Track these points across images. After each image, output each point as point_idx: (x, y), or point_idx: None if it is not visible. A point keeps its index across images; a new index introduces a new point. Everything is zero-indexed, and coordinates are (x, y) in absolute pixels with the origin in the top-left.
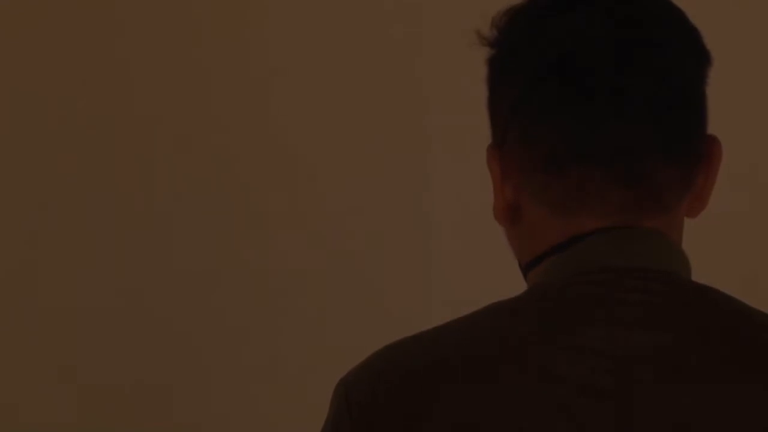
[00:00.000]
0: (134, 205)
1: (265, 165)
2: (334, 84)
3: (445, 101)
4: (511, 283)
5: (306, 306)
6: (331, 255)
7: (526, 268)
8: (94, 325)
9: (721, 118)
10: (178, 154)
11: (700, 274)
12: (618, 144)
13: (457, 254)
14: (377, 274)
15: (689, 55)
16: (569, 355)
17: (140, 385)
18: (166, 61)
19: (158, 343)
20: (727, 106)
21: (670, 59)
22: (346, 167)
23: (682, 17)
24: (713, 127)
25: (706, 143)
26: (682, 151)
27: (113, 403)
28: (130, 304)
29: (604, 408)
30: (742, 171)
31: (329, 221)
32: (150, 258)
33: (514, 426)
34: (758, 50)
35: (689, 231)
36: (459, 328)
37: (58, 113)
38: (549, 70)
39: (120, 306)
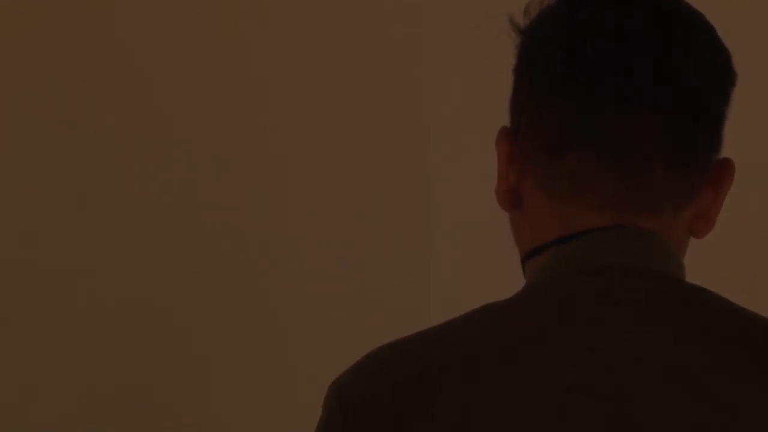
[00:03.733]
0: (133, 204)
1: (264, 165)
2: (334, 84)
3: (445, 101)
4: (512, 283)
5: (305, 306)
6: (331, 255)
7: (525, 258)
8: (94, 325)
9: None
10: (179, 153)
11: (700, 274)
12: (617, 133)
13: (458, 254)
14: (377, 274)
15: (708, 64)
16: (567, 354)
17: (140, 385)
18: (166, 60)
19: (159, 344)
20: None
21: (683, 60)
22: (346, 167)
23: (709, 30)
24: None
25: (717, 163)
26: (683, 153)
27: (113, 404)
28: (131, 305)
29: (602, 408)
30: (742, 171)
31: (328, 221)
32: (150, 258)
33: (512, 426)
34: (758, 50)
35: None
36: (455, 329)
37: (57, 113)
38: (560, 60)
39: (121, 306)
